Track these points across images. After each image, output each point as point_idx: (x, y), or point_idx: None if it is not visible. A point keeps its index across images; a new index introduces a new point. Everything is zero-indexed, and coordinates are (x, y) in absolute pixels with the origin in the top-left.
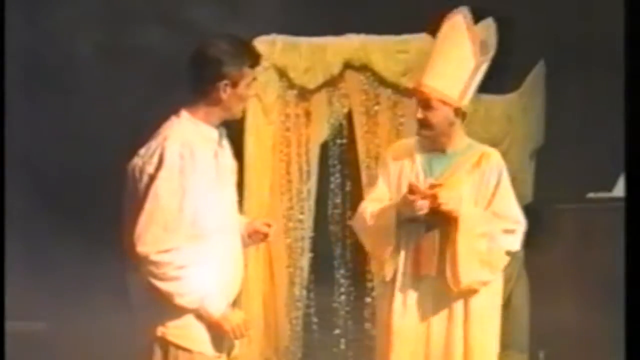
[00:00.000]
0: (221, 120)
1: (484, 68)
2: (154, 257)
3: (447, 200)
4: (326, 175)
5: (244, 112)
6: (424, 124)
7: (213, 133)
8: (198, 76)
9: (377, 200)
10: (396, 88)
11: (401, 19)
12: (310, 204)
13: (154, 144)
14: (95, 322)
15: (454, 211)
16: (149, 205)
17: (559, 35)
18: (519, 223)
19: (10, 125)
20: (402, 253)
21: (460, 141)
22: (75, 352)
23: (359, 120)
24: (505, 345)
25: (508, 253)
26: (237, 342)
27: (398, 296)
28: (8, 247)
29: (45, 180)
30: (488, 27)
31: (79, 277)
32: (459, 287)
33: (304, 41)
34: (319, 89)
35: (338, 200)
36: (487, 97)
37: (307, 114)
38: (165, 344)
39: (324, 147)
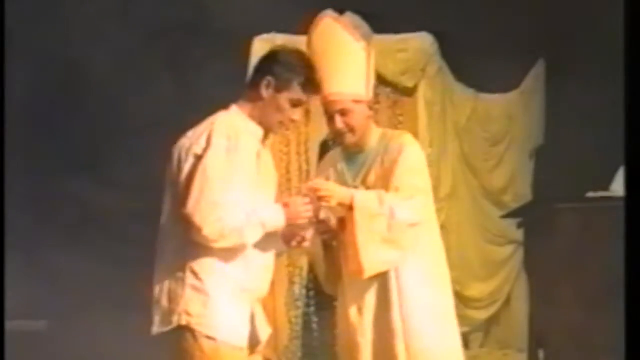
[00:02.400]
0: (259, 121)
1: (373, 54)
2: (206, 230)
3: (330, 193)
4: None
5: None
6: (347, 131)
7: (258, 130)
8: (255, 68)
9: None
10: (395, 87)
11: (401, 19)
12: None
13: (202, 128)
14: (95, 322)
15: (345, 200)
16: (198, 182)
17: (559, 35)
18: (419, 190)
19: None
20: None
21: (374, 134)
22: (75, 352)
23: None
24: (505, 344)
25: (411, 226)
26: (263, 340)
27: (350, 300)
28: (8, 248)
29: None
30: (352, 16)
31: (79, 277)
32: (364, 275)
33: (304, 41)
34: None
35: None
36: (487, 97)
37: (307, 113)
38: (191, 332)
39: (324, 146)
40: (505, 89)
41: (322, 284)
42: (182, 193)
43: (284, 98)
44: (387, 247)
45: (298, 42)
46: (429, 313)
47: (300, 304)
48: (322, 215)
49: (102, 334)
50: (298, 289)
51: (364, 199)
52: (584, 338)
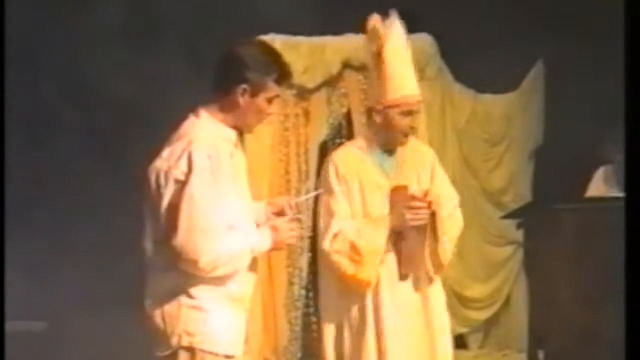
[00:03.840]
0: (234, 125)
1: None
2: (201, 262)
3: (437, 204)
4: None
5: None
6: (412, 131)
7: (231, 134)
8: (221, 75)
9: (347, 219)
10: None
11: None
12: (309, 204)
13: (178, 147)
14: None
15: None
16: (185, 212)
17: (559, 36)
18: (456, 198)
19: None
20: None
21: None
22: (76, 352)
23: (358, 120)
24: (504, 344)
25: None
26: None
27: (385, 298)
28: (8, 247)
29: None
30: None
31: (79, 278)
32: (440, 271)
33: (303, 41)
34: (318, 88)
35: None
36: (486, 97)
37: (306, 114)
38: (190, 351)
39: (323, 147)
40: (504, 89)
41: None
42: (168, 222)
43: (261, 99)
44: (452, 244)
45: (297, 42)
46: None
47: (299, 304)
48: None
49: (101, 334)
50: (297, 290)
51: (440, 205)
52: (584, 338)
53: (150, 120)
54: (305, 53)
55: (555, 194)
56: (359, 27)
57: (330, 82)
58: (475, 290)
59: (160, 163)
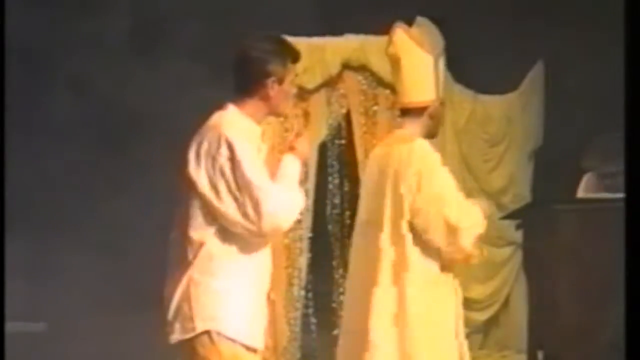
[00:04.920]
0: (266, 116)
1: (441, 59)
2: (284, 225)
3: None
4: (325, 175)
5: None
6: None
7: (257, 130)
8: (246, 75)
9: None
10: (394, 88)
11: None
12: (308, 204)
13: (213, 138)
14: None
15: None
16: (245, 189)
17: (559, 36)
18: None
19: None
20: None
21: None
22: (76, 352)
23: (357, 121)
24: (504, 345)
25: None
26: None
27: None
28: (8, 247)
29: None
30: (422, 26)
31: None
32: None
33: (303, 41)
34: (317, 89)
35: (337, 201)
36: (486, 97)
37: (306, 114)
38: (209, 336)
39: (323, 148)
40: (504, 90)
41: None
42: (235, 207)
43: (287, 84)
44: None
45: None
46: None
47: (299, 305)
48: None
49: (102, 335)
50: (297, 290)
51: None
52: (583, 339)
53: (149, 122)
54: (305, 54)
55: (555, 195)
56: (359, 27)
57: (330, 83)
58: (475, 291)
59: (204, 159)
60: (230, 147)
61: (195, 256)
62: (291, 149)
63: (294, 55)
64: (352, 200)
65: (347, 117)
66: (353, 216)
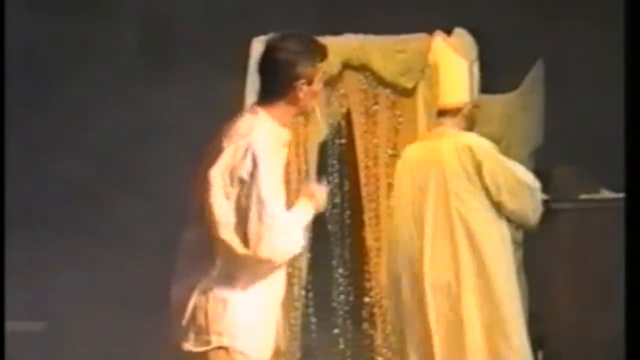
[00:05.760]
0: (294, 118)
1: (476, 63)
2: (275, 259)
3: None
4: (325, 175)
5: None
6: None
7: (284, 134)
8: (274, 78)
9: None
10: (395, 88)
11: (400, 19)
12: None
13: (240, 145)
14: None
15: None
16: (255, 212)
17: (559, 35)
18: None
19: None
20: None
21: None
22: (76, 352)
23: (357, 120)
24: None
25: None
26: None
27: None
28: (8, 247)
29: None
30: (459, 35)
31: (79, 278)
32: None
33: None
34: None
35: (337, 200)
36: (486, 97)
37: (306, 114)
38: (225, 350)
39: (323, 147)
40: (504, 89)
41: None
42: (237, 221)
43: (316, 83)
44: None
45: None
46: None
47: (298, 304)
48: None
49: (102, 335)
50: (297, 290)
51: None
52: (583, 339)
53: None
54: None
55: (555, 195)
56: (359, 27)
57: (330, 83)
58: None
59: (225, 163)
60: (255, 162)
61: (214, 264)
62: (310, 196)
63: (322, 53)
64: (352, 200)
65: (348, 116)
66: (353, 216)
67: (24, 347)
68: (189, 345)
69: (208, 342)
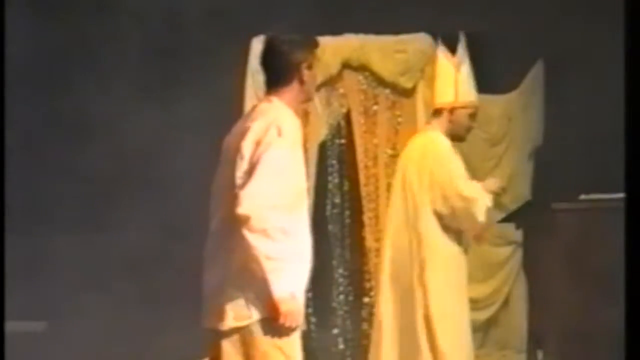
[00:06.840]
0: (302, 104)
1: (463, 68)
2: (262, 211)
3: None
4: (325, 175)
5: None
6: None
7: (297, 121)
8: (280, 66)
9: None
10: (394, 88)
11: (399, 19)
12: (308, 204)
13: (266, 120)
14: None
15: None
16: (262, 170)
17: (559, 35)
18: None
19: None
20: None
21: None
22: (76, 352)
23: (357, 120)
24: (504, 345)
25: None
26: None
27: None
28: (8, 247)
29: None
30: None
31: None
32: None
33: None
34: (317, 88)
35: (337, 200)
36: (486, 97)
37: (306, 114)
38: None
39: (323, 147)
40: (504, 89)
41: None
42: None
43: (314, 69)
44: None
45: None
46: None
47: None
48: None
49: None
50: None
51: None
52: (583, 339)
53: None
54: None
55: (555, 195)
56: (359, 27)
57: (330, 83)
58: (475, 291)
59: (254, 136)
60: (280, 132)
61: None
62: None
63: (314, 41)
64: (352, 200)
65: (347, 116)
66: (353, 216)
67: (24, 347)
68: (230, 322)
69: (249, 317)
